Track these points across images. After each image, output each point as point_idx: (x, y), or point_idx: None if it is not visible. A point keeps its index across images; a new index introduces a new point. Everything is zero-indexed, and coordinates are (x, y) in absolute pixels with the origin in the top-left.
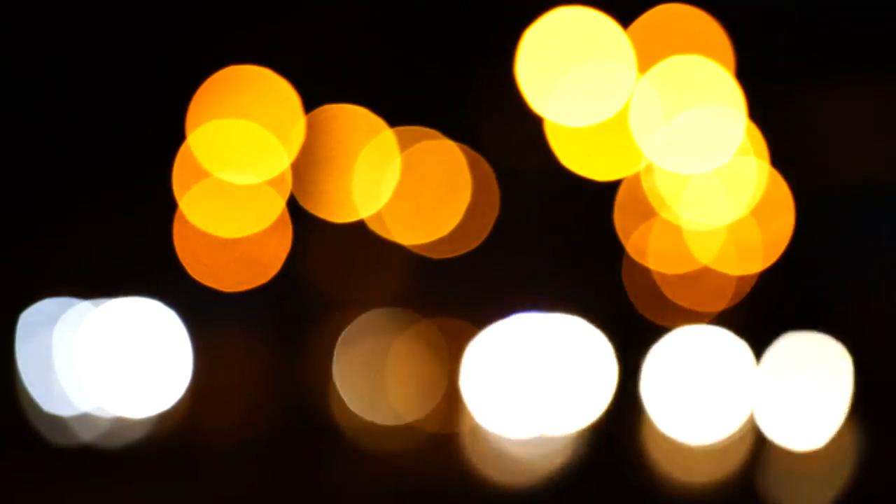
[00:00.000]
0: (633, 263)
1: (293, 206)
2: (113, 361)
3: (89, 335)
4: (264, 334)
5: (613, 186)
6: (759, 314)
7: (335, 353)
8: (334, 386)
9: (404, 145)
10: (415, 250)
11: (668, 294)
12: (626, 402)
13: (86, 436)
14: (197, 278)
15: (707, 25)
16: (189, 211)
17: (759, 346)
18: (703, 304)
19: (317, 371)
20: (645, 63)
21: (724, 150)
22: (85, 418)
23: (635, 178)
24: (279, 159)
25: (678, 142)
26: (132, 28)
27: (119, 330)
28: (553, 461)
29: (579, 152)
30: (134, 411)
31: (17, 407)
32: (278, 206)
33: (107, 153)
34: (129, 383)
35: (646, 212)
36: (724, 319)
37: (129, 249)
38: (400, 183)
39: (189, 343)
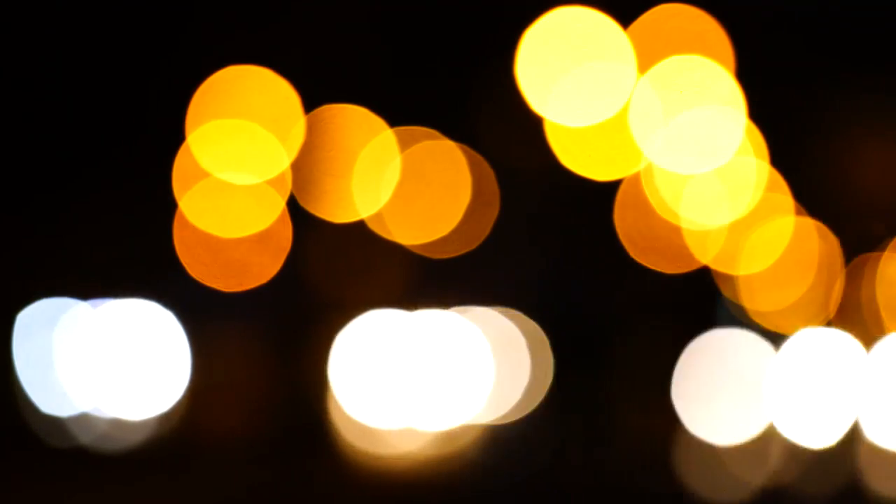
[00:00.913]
0: (633, 263)
1: (293, 206)
2: (111, 362)
3: (88, 336)
4: (264, 334)
5: (613, 186)
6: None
7: (334, 353)
8: (333, 386)
9: (404, 145)
10: (415, 250)
11: (668, 294)
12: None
13: (84, 437)
14: (197, 278)
15: (707, 25)
16: (189, 211)
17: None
18: (702, 304)
19: (316, 371)
20: (645, 63)
21: (724, 150)
22: (83, 419)
23: (635, 178)
24: (279, 159)
25: (678, 142)
26: (132, 28)
27: (118, 331)
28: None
29: (579, 152)
30: (133, 412)
31: (15, 407)
32: (278, 206)
33: (107, 153)
34: (128, 384)
35: (646, 212)
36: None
37: (129, 249)
38: (400, 183)
39: (188, 343)
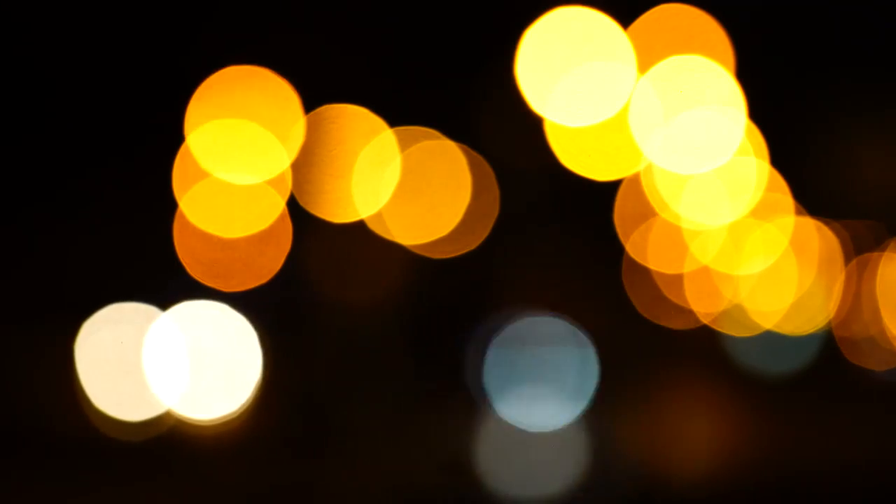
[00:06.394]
0: (633, 263)
1: (293, 206)
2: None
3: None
4: (264, 334)
5: (613, 186)
6: None
7: (334, 353)
8: (330, 386)
9: (404, 145)
10: (415, 250)
11: (668, 294)
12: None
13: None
14: (197, 278)
15: (707, 25)
16: (189, 211)
17: None
18: (703, 305)
19: (315, 371)
20: (645, 63)
21: (724, 150)
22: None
23: (635, 178)
24: (279, 159)
25: (678, 142)
26: (131, 28)
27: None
28: None
29: (579, 152)
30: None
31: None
32: (278, 206)
33: (105, 154)
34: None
35: (646, 212)
36: None
37: (129, 251)
38: (400, 183)
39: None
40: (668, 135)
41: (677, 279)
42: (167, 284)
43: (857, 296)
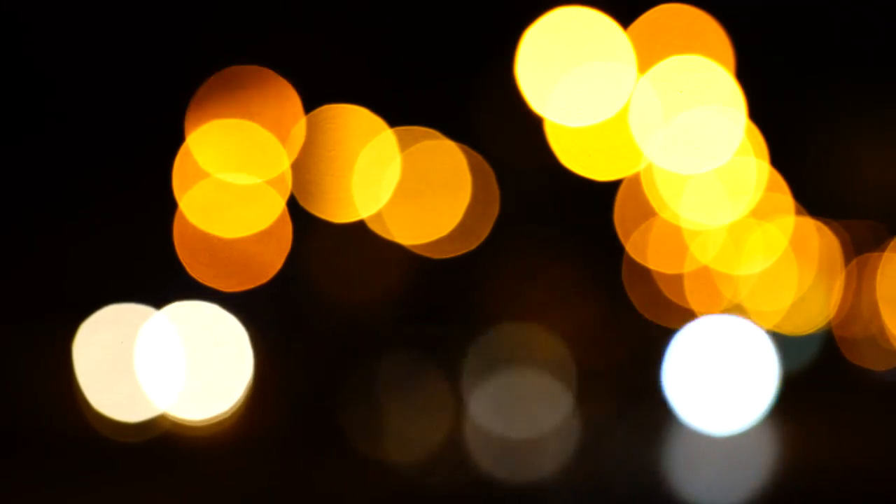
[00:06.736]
0: (633, 263)
1: (293, 206)
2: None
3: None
4: (263, 334)
5: (613, 186)
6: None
7: (333, 353)
8: (329, 386)
9: (404, 145)
10: (415, 250)
11: (668, 294)
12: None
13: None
14: (197, 278)
15: (707, 25)
16: (189, 211)
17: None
18: (703, 305)
19: (314, 371)
20: (645, 63)
21: (724, 150)
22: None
23: (635, 178)
24: (279, 159)
25: (678, 142)
26: (131, 28)
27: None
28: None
29: (579, 152)
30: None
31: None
32: (278, 206)
33: (105, 154)
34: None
35: (646, 212)
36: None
37: (129, 251)
38: (400, 183)
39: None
40: (668, 135)
41: (677, 279)
42: (166, 285)
43: (857, 296)
